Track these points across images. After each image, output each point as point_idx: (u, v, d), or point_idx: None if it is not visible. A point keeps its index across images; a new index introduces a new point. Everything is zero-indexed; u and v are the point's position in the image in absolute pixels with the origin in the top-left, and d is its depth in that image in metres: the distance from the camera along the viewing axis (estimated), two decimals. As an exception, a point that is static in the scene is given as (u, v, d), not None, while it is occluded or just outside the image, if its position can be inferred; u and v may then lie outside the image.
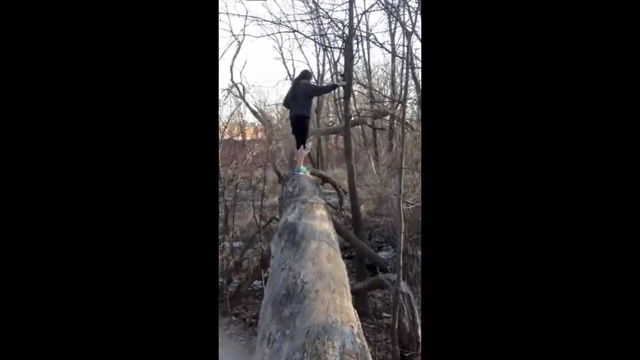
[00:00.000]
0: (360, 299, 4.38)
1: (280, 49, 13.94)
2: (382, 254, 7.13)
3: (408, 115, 9.86)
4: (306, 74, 4.84)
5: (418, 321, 2.31)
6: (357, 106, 9.81)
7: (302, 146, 4.81)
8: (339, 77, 5.26)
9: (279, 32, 12.17)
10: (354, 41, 4.85)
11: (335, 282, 1.89)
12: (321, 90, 5.36)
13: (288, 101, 4.85)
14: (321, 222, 2.65)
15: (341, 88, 5.29)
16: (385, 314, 4.47)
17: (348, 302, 1.77)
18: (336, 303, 1.67)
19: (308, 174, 4.79)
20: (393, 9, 5.30)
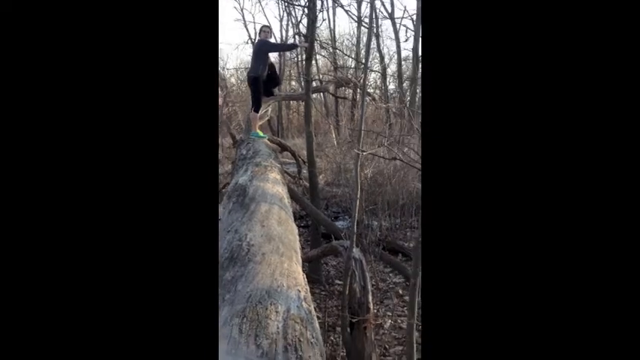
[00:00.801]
0: (313, 267, 4.35)
1: (242, 11, 13.16)
2: (339, 224, 7.16)
3: (370, 86, 9.74)
4: (262, 30, 4.56)
5: (369, 287, 2.26)
6: (320, 75, 9.57)
7: (253, 109, 4.60)
8: (302, 38, 4.97)
9: None
10: (319, 1, 4.59)
11: (284, 246, 1.78)
12: (276, 47, 5.02)
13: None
14: (273, 185, 2.51)
15: (303, 50, 5.04)
16: (338, 281, 4.48)
17: (296, 266, 1.67)
18: (283, 267, 1.57)
19: (264, 139, 4.60)
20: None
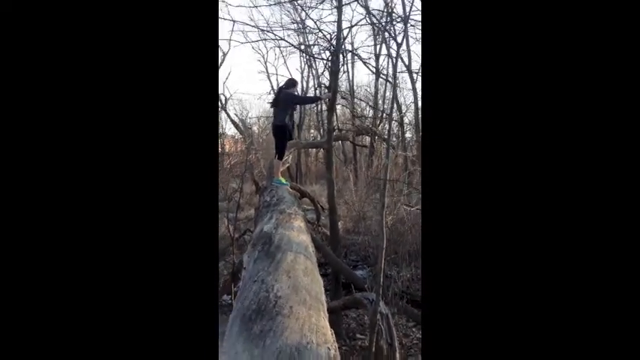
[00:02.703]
0: (333, 318, 4.19)
1: (265, 63, 13.85)
2: (358, 272, 6.99)
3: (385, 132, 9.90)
4: (290, 83, 4.74)
5: (396, 344, 2.16)
6: (339, 123, 9.78)
7: (277, 156, 4.68)
8: (324, 90, 5.16)
9: (264, 40, 12.12)
10: (340, 55, 4.79)
11: (311, 297, 1.73)
12: (303, 100, 5.23)
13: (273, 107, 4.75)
14: (299, 233, 2.50)
15: (324, 101, 5.20)
16: (359, 335, 4.30)
17: (324, 321, 1.61)
18: (311, 321, 1.51)
19: (287, 186, 4.64)
20: (381, 25, 5.30)
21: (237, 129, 10.48)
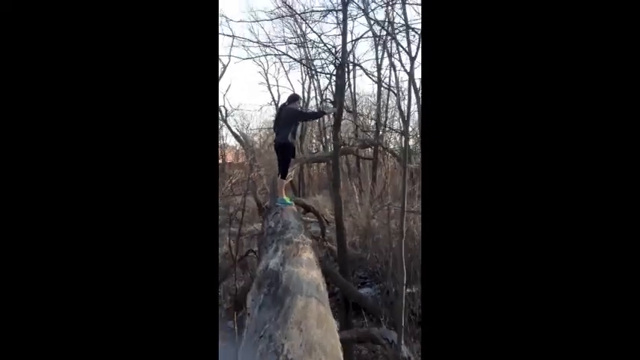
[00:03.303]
0: (343, 347, 3.95)
1: (266, 75, 13.69)
2: (365, 290, 6.74)
3: (393, 146, 9.69)
4: (292, 98, 4.55)
5: (423, 397, 1.91)
6: (343, 137, 9.59)
7: (280, 175, 4.47)
8: (329, 104, 4.97)
9: (266, 55, 11.99)
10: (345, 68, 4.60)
11: (327, 357, 1.49)
12: (306, 116, 4.98)
13: (275, 126, 4.56)
14: (308, 269, 2.26)
15: (331, 115, 5.00)
16: (371, 365, 4.04)
17: (344, 389, 1.38)
18: (330, 393, 1.28)
19: (292, 206, 4.42)
20: (385, 37, 5.12)
21: (239, 141, 10.27)
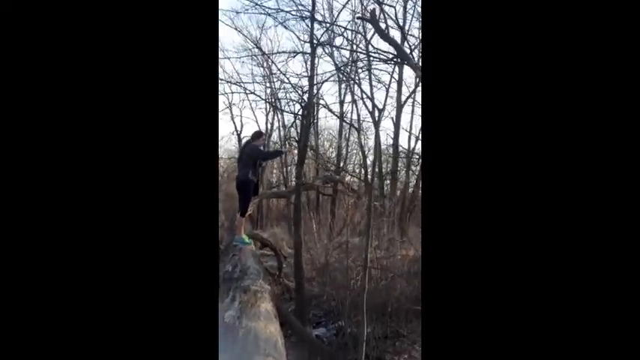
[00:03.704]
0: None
1: (229, 104, 13.66)
2: (320, 330, 6.60)
3: (350, 179, 9.83)
4: (255, 135, 4.53)
5: None
6: (305, 169, 9.64)
7: (240, 213, 4.38)
8: (294, 143, 5.00)
9: (232, 92, 11.96)
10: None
11: None
12: (266, 155, 4.86)
13: (238, 161, 4.50)
14: (266, 323, 2.18)
15: (295, 151, 5.01)
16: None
17: None
18: None
19: (250, 245, 4.31)
20: (349, 79, 5.28)
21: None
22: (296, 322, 3.93)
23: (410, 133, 11.58)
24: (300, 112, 4.66)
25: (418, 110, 10.46)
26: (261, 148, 4.49)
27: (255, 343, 1.92)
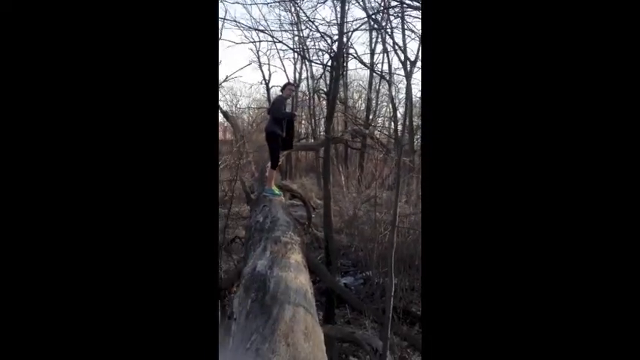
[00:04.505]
0: (325, 338, 3.98)
1: (257, 53, 13.36)
2: (348, 279, 6.79)
3: (378, 134, 9.63)
4: (283, 87, 4.44)
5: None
6: (334, 127, 9.47)
7: (270, 164, 4.41)
8: (322, 94, 4.87)
9: (259, 41, 11.63)
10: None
11: (314, 375, 1.48)
12: (280, 115, 4.38)
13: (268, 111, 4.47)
14: (296, 274, 2.24)
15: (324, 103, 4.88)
16: (352, 358, 4.09)
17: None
18: (317, 417, 1.27)
19: (280, 197, 4.37)
20: (381, 28, 5.00)
21: (227, 119, 10.05)
22: (324, 270, 4.03)
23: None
24: (329, 63, 4.49)
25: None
26: (289, 100, 4.41)
27: (286, 293, 1.98)
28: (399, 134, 3.01)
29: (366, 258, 6.64)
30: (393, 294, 2.00)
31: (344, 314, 5.22)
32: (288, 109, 4.69)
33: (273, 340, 1.62)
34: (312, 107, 11.69)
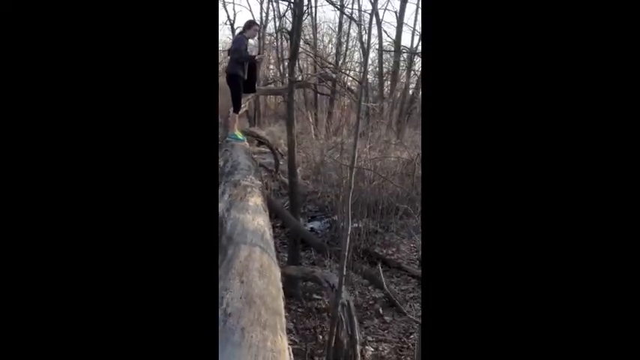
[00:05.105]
0: (289, 279, 4.13)
1: (220, -11, 12.42)
2: (315, 224, 6.97)
3: (346, 78, 9.46)
4: (247, 25, 4.20)
5: (357, 336, 2.06)
6: (300, 65, 9.16)
7: (232, 109, 4.27)
8: (286, 34, 4.64)
9: None
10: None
11: (267, 310, 1.53)
12: (241, 56, 4.15)
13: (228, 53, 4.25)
14: (254, 216, 2.25)
15: (286, 45, 4.69)
16: (316, 296, 4.29)
17: (282, 341, 1.43)
18: (267, 346, 1.33)
19: (244, 142, 4.29)
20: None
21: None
22: (288, 214, 4.09)
23: (413, 29, 10.81)
24: (292, 0, 4.25)
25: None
26: (253, 40, 4.20)
27: (242, 234, 2.00)
28: (364, 79, 2.95)
29: (332, 203, 6.78)
30: (349, 233, 2.05)
31: (309, 256, 5.41)
32: (255, 52, 4.46)
33: (227, 278, 1.64)
34: (280, 50, 11.24)
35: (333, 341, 2.04)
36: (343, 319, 2.07)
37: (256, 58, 4.37)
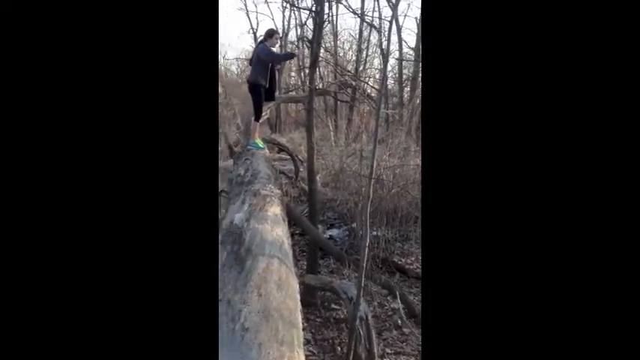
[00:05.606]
0: (307, 288, 4.11)
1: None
2: (333, 231, 6.93)
3: (365, 85, 9.41)
4: (268, 34, 4.24)
5: (375, 350, 2.03)
6: (321, 72, 9.19)
7: (254, 117, 4.31)
8: (306, 42, 4.67)
9: None
10: (325, 3, 4.27)
11: (284, 324, 1.52)
12: (275, 58, 4.45)
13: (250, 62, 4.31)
14: (273, 226, 2.25)
15: (307, 54, 4.72)
16: (334, 305, 4.25)
17: (299, 357, 1.42)
18: (284, 362, 1.32)
19: (264, 150, 4.32)
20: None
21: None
22: (307, 222, 4.09)
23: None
24: (312, 8, 4.28)
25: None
26: (275, 48, 4.24)
27: (261, 245, 2.00)
28: (383, 86, 2.94)
29: (351, 211, 6.74)
30: (367, 244, 2.03)
31: (328, 264, 5.38)
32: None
33: (245, 290, 1.65)
34: (301, 58, 11.34)
35: (352, 356, 2.02)
36: (361, 332, 2.05)
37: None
